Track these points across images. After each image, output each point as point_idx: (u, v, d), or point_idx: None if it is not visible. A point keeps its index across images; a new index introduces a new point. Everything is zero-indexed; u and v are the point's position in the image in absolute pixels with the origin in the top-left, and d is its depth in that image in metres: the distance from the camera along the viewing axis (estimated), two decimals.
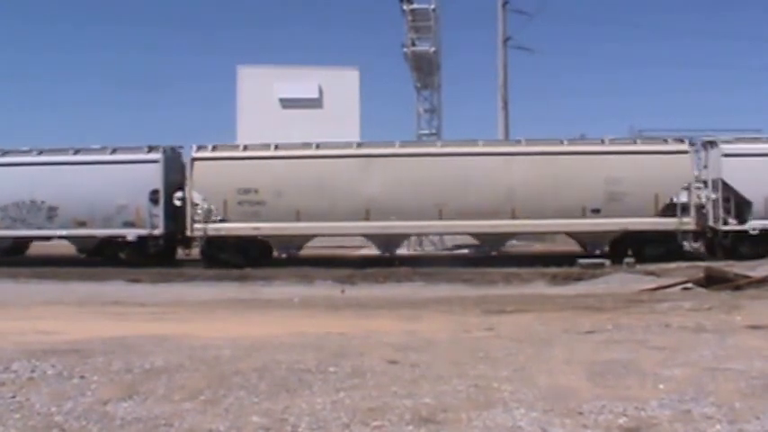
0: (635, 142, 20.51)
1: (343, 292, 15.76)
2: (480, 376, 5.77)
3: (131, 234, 20.23)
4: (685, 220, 19.36)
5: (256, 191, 19.75)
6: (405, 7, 26.41)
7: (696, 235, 20.23)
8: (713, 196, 19.89)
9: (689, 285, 13.54)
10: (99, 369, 6.09)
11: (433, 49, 27.13)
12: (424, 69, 27.80)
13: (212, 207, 19.81)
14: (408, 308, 11.06)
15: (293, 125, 32.01)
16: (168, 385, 5.56)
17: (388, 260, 19.88)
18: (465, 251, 24.24)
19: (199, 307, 12.00)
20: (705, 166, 20.59)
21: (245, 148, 20.71)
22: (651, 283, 14.73)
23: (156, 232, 20.18)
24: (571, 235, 20.69)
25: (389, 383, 5.55)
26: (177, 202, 20.10)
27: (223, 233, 19.87)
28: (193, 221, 19.86)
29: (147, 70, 73.08)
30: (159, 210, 20.14)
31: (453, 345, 7.33)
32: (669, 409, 4.80)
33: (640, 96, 69.89)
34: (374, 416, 4.70)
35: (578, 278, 16.94)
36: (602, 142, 20.42)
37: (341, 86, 36.95)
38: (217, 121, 60.79)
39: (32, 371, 6.03)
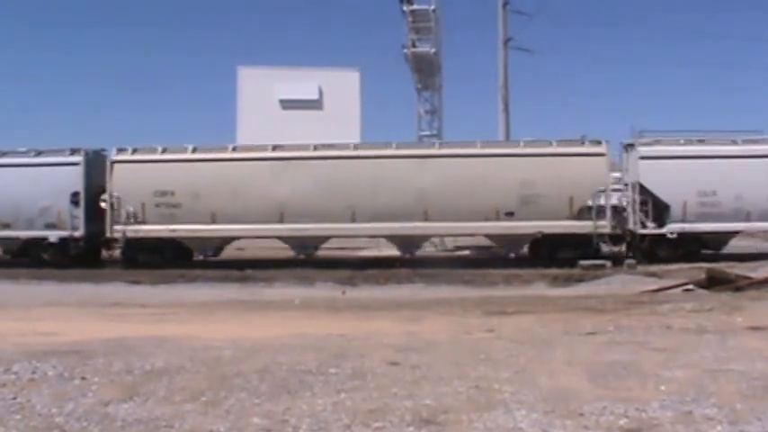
0: (551, 144, 20.22)
1: (343, 293, 15.76)
2: (481, 377, 5.77)
3: (53, 236, 20.41)
4: (601, 222, 19.28)
5: (173, 193, 19.93)
6: (405, 8, 26.44)
7: (616, 238, 20.10)
8: (632, 199, 19.79)
9: (690, 287, 13.53)
10: (100, 370, 6.09)
11: (433, 50, 27.15)
12: (425, 70, 27.83)
13: (131, 209, 20.00)
14: (409, 309, 11.06)
15: (293, 126, 32.05)
16: (169, 386, 5.55)
17: (388, 262, 19.89)
18: (466, 252, 24.24)
19: (199, 308, 12.00)
20: (627, 169, 20.55)
21: (164, 151, 20.76)
22: (652, 284, 14.72)
23: (77, 234, 20.31)
24: (487, 237, 20.70)
25: (390, 385, 5.55)
26: (103, 204, 20.39)
27: (141, 235, 20.03)
28: (113, 223, 20.08)
29: (147, 71, 73.17)
30: (80, 212, 20.30)
31: (454, 346, 7.32)
32: (670, 411, 4.80)
33: (641, 96, 69.96)
34: (375, 417, 4.69)
35: (579, 279, 16.95)
36: (517, 144, 20.38)
37: (341, 88, 36.96)
38: (217, 122, 60.74)
39: (33, 372, 6.03)
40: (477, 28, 63.20)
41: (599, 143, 19.92)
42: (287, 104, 36.98)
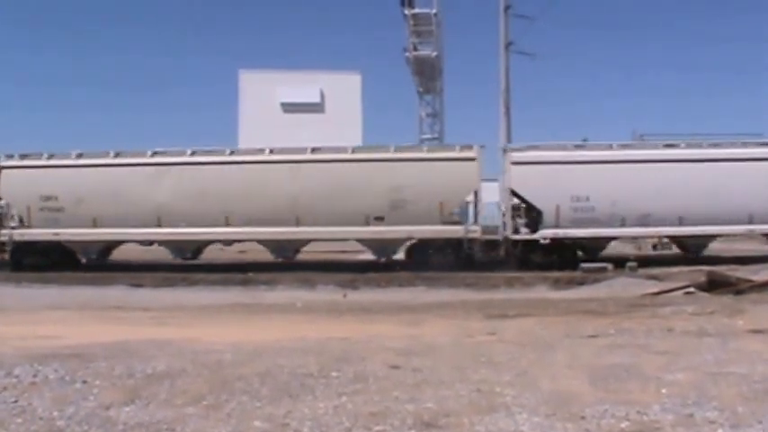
0: (422, 150, 20.36)
1: (345, 296, 15.77)
2: (483, 381, 5.77)
3: None
4: (472, 228, 19.36)
5: (56, 198, 20.47)
6: (406, 12, 26.53)
7: (491, 243, 20.26)
8: (507, 205, 19.83)
9: (691, 289, 13.53)
10: (101, 373, 6.09)
11: (434, 53, 27.23)
12: (426, 74, 27.90)
13: (16, 213, 20.67)
14: (410, 312, 11.05)
15: (295, 129, 32.10)
16: (170, 390, 5.55)
17: (389, 265, 19.89)
18: None
19: (201, 311, 12.00)
20: (503, 175, 20.51)
21: (50, 157, 21.19)
22: (653, 287, 14.72)
23: None
24: (359, 242, 20.80)
25: (392, 388, 5.55)
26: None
27: (26, 238, 20.66)
28: (1, 227, 20.73)
29: (148, 73, 73.39)
30: None
31: (455, 349, 7.32)
32: (672, 414, 4.79)
33: (643, 99, 70.07)
34: (376, 420, 4.69)
35: (581, 282, 16.96)
36: (388, 150, 20.45)
37: (343, 91, 37.03)
38: (219, 125, 60.95)
39: (34, 375, 6.03)
40: (479, 31, 63.47)
41: (470, 148, 19.97)
42: (288, 108, 37.06)
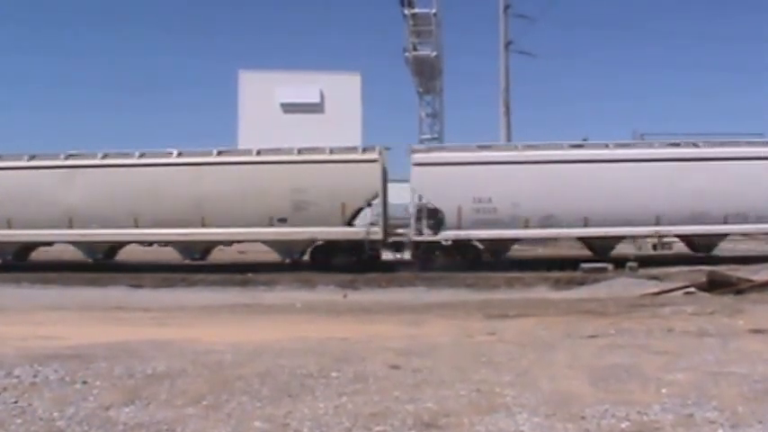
0: (325, 152, 20.42)
1: (345, 296, 15.77)
2: (483, 381, 5.77)
3: None
4: (374, 229, 19.47)
5: None
6: (406, 12, 26.48)
7: (398, 245, 20.46)
8: (413, 206, 19.85)
9: (691, 289, 13.53)
10: (101, 374, 6.09)
11: (434, 53, 27.19)
12: (426, 74, 27.86)
13: None
14: (410, 312, 11.05)
15: (294, 130, 32.10)
16: (171, 390, 5.55)
17: (389, 265, 19.89)
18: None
19: (201, 312, 12.00)
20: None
21: None
22: (654, 287, 14.71)
23: None
24: (264, 243, 20.92)
25: (392, 388, 5.54)
26: None
27: None
28: None
29: (149, 74, 73.38)
30: None
31: (456, 349, 7.32)
32: (672, 414, 4.79)
33: (643, 99, 70.11)
34: (376, 421, 4.69)
35: (581, 282, 16.95)
36: (291, 152, 20.55)
37: (342, 91, 37.05)
38: (219, 126, 60.95)
39: (35, 376, 6.02)
40: (478, 31, 63.42)
41: (373, 150, 20.13)
42: (288, 108, 37.05)
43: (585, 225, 19.36)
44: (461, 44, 74.74)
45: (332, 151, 20.29)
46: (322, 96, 37.68)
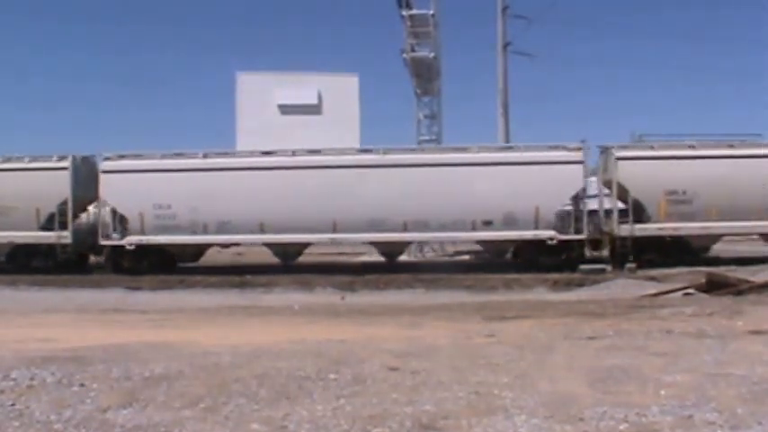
0: (23, 160, 21.02)
1: (343, 298, 15.77)
2: (481, 383, 5.76)
3: None
4: (63, 234, 20.33)
5: None
6: (404, 13, 26.40)
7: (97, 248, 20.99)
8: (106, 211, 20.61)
9: (690, 291, 13.53)
10: (99, 376, 6.07)
11: (432, 54, 27.11)
12: (424, 75, 27.79)
13: None
14: (409, 314, 11.04)
15: (292, 131, 32.08)
16: (168, 392, 5.54)
17: (388, 267, 19.88)
18: (465, 257, 24.23)
19: (199, 314, 11.99)
20: None
21: None
22: (652, 288, 14.72)
23: None
24: None
25: (390, 390, 5.53)
26: None
27: None
28: None
29: (148, 75, 73.42)
30: None
31: (454, 351, 7.31)
32: (670, 415, 4.78)
33: (641, 99, 70.17)
34: (374, 423, 4.68)
35: (580, 284, 16.97)
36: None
37: (340, 92, 37.04)
38: (218, 127, 60.95)
39: (32, 378, 6.01)
40: (477, 32, 63.38)
41: (65, 158, 20.70)
42: (286, 109, 37.03)
43: (261, 231, 19.85)
44: (459, 45, 74.90)
45: (30, 159, 20.97)
46: (320, 98, 37.65)
